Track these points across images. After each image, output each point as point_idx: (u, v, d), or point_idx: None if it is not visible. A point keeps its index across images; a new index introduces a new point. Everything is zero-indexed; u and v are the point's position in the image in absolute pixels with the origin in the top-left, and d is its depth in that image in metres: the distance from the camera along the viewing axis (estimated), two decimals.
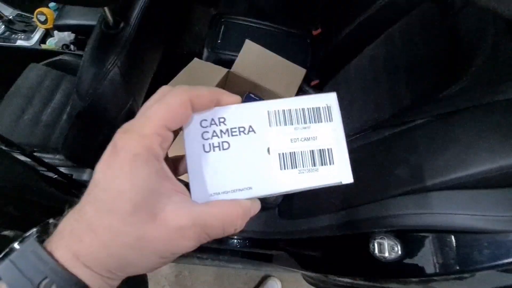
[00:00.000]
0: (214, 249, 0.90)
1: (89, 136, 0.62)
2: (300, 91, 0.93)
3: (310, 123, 0.19)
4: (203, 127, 0.19)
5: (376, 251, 0.52)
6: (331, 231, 0.60)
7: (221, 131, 0.19)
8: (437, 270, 0.44)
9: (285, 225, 0.78)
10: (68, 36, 1.06)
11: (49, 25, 1.07)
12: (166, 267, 1.18)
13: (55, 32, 1.07)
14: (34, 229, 0.18)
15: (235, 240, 0.87)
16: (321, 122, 0.19)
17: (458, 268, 0.42)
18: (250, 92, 0.88)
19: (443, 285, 0.47)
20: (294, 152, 0.19)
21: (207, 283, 1.16)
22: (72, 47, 1.09)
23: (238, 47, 0.93)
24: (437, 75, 0.53)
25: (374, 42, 0.76)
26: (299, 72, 0.90)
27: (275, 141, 0.19)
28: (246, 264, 0.94)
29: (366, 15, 0.82)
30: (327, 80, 0.96)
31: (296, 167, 0.19)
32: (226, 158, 0.18)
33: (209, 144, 0.18)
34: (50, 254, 0.16)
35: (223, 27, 1.05)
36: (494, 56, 0.42)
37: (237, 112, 0.19)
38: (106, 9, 0.50)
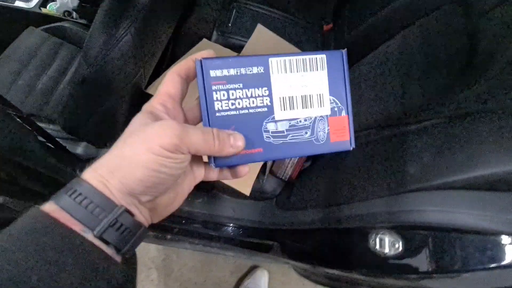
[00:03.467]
0: (207, 235, 0.89)
1: (90, 106, 0.59)
2: None
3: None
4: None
5: (377, 246, 0.52)
6: (332, 224, 0.60)
7: None
8: (437, 269, 0.45)
9: (282, 216, 0.78)
10: (71, 2, 1.00)
11: None
12: (154, 250, 1.16)
13: None
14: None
15: (230, 228, 0.86)
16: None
17: (459, 267, 0.43)
18: None
19: (442, 282, 0.47)
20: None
21: (194, 268, 1.15)
22: (74, 14, 1.04)
23: (248, 33, 0.91)
24: (453, 76, 0.53)
25: (388, 41, 0.76)
26: None
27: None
28: (238, 253, 0.94)
29: (382, 14, 0.82)
30: None
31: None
32: None
33: None
34: (87, 182, 0.20)
35: (234, 11, 1.02)
36: None
37: None
38: None
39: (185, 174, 0.24)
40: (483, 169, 0.39)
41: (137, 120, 0.22)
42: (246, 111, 0.23)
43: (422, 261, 0.48)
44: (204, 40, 0.86)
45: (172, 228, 0.93)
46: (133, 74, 0.55)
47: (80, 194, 0.19)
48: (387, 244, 0.51)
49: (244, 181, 0.60)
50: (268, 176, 0.80)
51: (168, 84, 0.24)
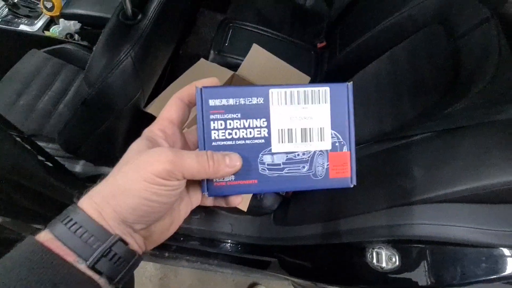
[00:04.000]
0: (205, 252, 0.88)
1: (90, 126, 0.60)
2: None
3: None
4: None
5: (374, 260, 0.52)
6: (329, 239, 0.60)
7: None
8: (437, 283, 0.45)
9: (280, 231, 0.78)
10: (73, 25, 1.05)
11: (55, 12, 1.05)
12: (151, 268, 1.14)
13: (61, 20, 1.06)
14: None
15: (228, 244, 0.86)
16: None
17: (455, 281, 0.43)
18: None
19: None
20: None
21: (192, 287, 1.13)
22: (76, 36, 1.08)
23: (244, 52, 0.95)
24: (440, 93, 0.55)
25: (377, 59, 0.79)
26: (304, 79, 0.91)
27: None
28: (236, 270, 0.92)
29: (371, 33, 0.86)
30: None
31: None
32: None
33: None
34: (82, 209, 0.20)
35: (231, 31, 1.06)
36: (496, 79, 0.45)
37: None
38: None
39: (182, 199, 0.24)
40: (471, 183, 0.40)
41: (134, 147, 0.22)
42: (243, 141, 0.23)
43: (420, 275, 0.48)
44: (202, 59, 0.89)
45: (170, 245, 0.92)
46: (132, 95, 0.57)
47: (75, 222, 0.20)
48: (384, 258, 0.51)
49: None
50: None
51: (170, 109, 0.24)
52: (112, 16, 0.55)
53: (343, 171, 0.24)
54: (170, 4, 0.60)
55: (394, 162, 0.53)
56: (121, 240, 0.20)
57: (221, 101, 0.23)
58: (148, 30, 0.53)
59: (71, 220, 0.20)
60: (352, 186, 0.25)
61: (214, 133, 0.23)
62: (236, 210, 0.81)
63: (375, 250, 0.53)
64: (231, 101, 0.23)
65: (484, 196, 0.41)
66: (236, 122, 0.23)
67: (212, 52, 1.04)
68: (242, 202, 0.65)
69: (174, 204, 0.23)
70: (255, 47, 0.92)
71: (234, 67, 0.92)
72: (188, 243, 0.89)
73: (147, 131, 0.24)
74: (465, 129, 0.45)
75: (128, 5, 0.51)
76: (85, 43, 1.07)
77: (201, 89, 0.23)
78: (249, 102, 0.23)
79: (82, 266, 0.19)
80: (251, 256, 0.84)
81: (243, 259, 0.85)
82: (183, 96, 0.24)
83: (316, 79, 1.08)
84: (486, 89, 0.44)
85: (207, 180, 0.23)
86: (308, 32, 1.24)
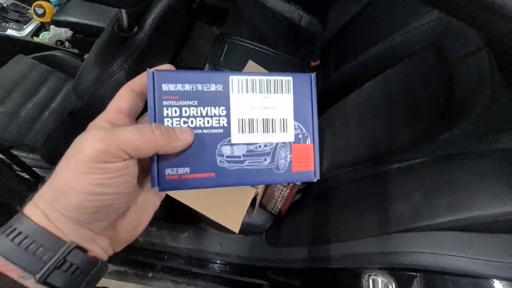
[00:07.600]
0: (192, 273, 0.84)
1: (76, 137, 0.57)
2: None
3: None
4: None
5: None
6: (322, 264, 0.58)
7: None
8: None
9: (271, 252, 0.75)
10: (65, 32, 1.02)
11: (47, 19, 1.03)
12: None
13: (52, 27, 1.03)
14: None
15: (216, 265, 0.82)
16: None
17: None
18: None
19: None
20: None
21: None
22: (66, 44, 1.05)
23: (239, 67, 0.94)
24: (435, 118, 0.56)
25: (372, 80, 0.80)
26: None
27: None
28: None
29: (365, 56, 0.87)
30: (323, 110, 0.98)
31: None
32: None
33: None
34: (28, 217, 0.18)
35: (226, 46, 1.06)
36: (492, 107, 0.45)
37: None
38: (123, 11, 0.49)
39: (146, 192, 0.22)
40: (470, 212, 0.39)
41: (75, 141, 0.19)
42: (200, 131, 0.21)
43: None
44: None
45: (155, 264, 0.87)
46: None
47: (20, 233, 0.17)
48: (380, 285, 0.50)
49: (233, 217, 0.58)
50: (257, 209, 0.78)
51: (119, 99, 0.21)
52: (107, 27, 0.53)
53: (306, 165, 0.23)
54: (167, 18, 0.59)
55: (390, 187, 0.52)
56: (78, 247, 0.18)
57: (176, 86, 0.21)
58: (144, 43, 0.52)
59: (14, 230, 0.17)
60: (315, 180, 0.24)
61: (168, 121, 0.21)
62: (226, 229, 0.78)
63: (371, 277, 0.51)
64: (187, 87, 0.21)
65: (482, 225, 0.41)
66: (193, 110, 0.21)
67: (207, 65, 1.03)
68: (234, 222, 0.62)
69: (130, 193, 0.20)
70: (250, 64, 0.92)
71: None
72: (175, 262, 0.84)
73: (92, 125, 0.21)
74: (463, 156, 0.45)
75: (125, 17, 0.49)
76: (75, 50, 1.04)
77: (153, 72, 0.21)
78: (207, 88, 0.21)
79: (29, 282, 0.17)
80: (241, 278, 0.80)
81: (232, 281, 0.81)
82: (135, 85, 0.22)
83: None
84: (481, 117, 0.45)
85: (158, 172, 0.21)
86: (302, 50, 1.26)
